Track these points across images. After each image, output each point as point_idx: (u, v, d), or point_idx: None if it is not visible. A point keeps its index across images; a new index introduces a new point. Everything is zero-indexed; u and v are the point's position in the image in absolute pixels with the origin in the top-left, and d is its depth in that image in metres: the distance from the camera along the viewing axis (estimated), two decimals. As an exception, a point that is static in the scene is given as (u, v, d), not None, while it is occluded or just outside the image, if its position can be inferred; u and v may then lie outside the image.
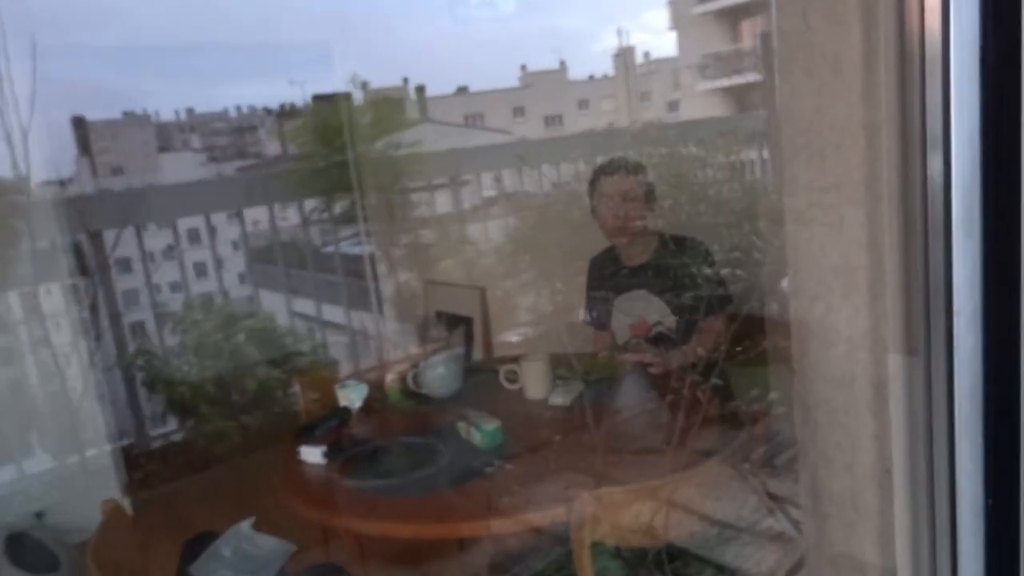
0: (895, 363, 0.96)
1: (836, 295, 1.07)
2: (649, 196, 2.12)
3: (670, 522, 1.58)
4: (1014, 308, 0.84)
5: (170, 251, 3.09)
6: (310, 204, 4.46)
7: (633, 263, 2.18)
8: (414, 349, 3.24)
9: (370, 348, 3.58)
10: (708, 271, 2.06)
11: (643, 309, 2.16)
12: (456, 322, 3.40)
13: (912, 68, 0.82)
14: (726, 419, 1.76)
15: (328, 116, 5.24)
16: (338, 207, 4.34)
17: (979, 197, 0.83)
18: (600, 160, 2.36)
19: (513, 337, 3.47)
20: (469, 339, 3.36)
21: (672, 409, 1.87)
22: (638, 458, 1.73)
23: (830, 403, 1.12)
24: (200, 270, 3.65)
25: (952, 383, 0.83)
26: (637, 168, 2.13)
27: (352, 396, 2.01)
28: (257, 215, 4.12)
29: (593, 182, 2.17)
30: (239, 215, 3.40)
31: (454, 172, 5.08)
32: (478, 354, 3.25)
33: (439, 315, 3.48)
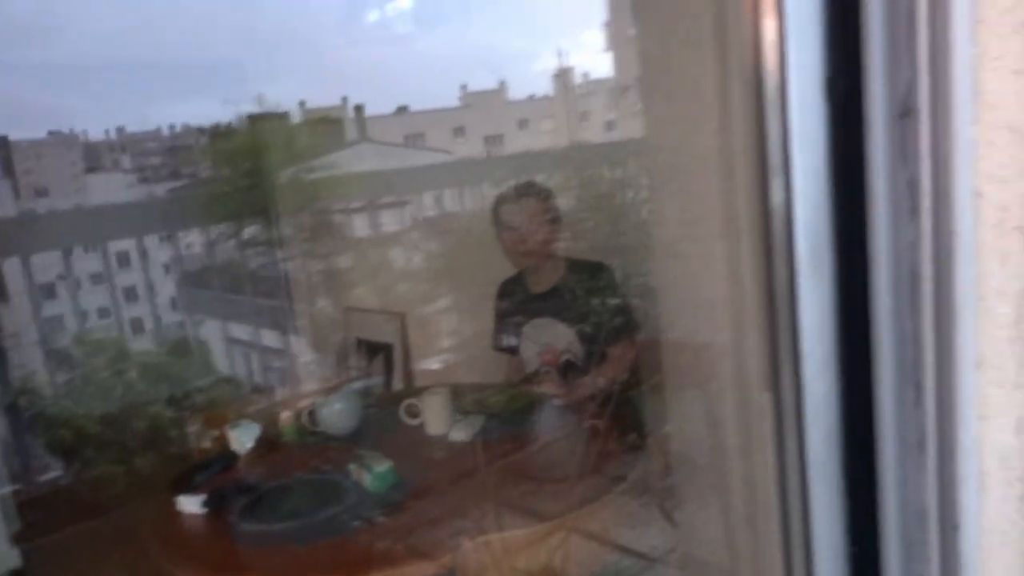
0: (758, 405, 0.92)
1: (705, 331, 1.03)
2: (554, 220, 2.08)
3: (569, 561, 1.51)
4: (866, 353, 0.80)
5: (60, 281, 2.91)
6: (233, 229, 4.31)
7: (540, 289, 2.13)
8: (332, 379, 3.13)
9: (285, 379, 3.45)
10: (613, 297, 2.02)
11: (551, 336, 2.10)
12: (376, 350, 3.30)
13: (753, 97, 0.78)
14: (629, 450, 1.71)
15: (249, 138, 5.10)
16: (258, 231, 4.20)
17: (827, 235, 0.80)
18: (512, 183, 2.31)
19: (435, 364, 3.39)
20: (389, 367, 3.26)
21: (575, 441, 1.82)
22: (537, 494, 1.66)
23: (705, 443, 1.07)
24: (104, 300, 3.48)
25: (803, 430, 0.78)
26: (541, 192, 2.08)
27: (243, 437, 1.90)
28: (190, 237, 3.95)
29: (496, 207, 2.11)
30: (140, 241, 3.24)
31: (386, 194, 4.98)
32: (398, 383, 3.16)
33: (359, 343, 3.37)
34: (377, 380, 3.14)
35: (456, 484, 1.68)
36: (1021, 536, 0.79)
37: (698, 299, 1.04)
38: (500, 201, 2.11)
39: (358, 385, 2.28)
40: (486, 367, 2.77)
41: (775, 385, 0.81)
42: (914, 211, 0.78)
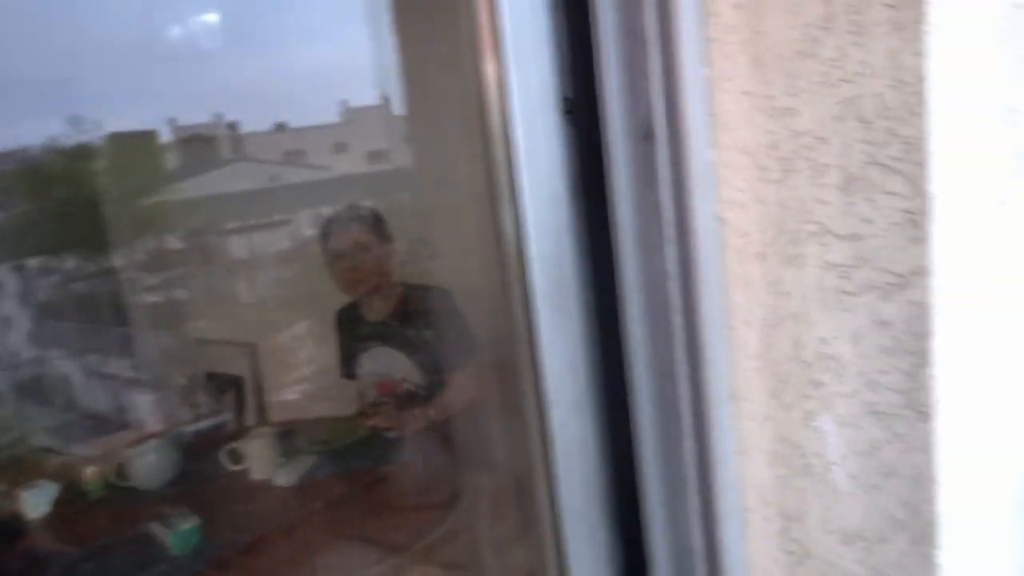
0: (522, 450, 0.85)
1: (481, 367, 0.96)
2: (387, 246, 1.98)
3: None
4: (623, 396, 0.75)
5: None
6: (65, 258, 3.97)
7: (375, 317, 2.03)
8: (172, 419, 2.90)
9: (118, 421, 3.18)
10: (453, 322, 1.95)
11: (388, 366, 2.00)
12: (227, 383, 3.10)
13: (479, 123, 0.72)
14: (459, 481, 1.63)
15: (104, 159, 4.76)
16: (98, 260, 3.88)
17: (571, 268, 0.74)
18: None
19: (293, 395, 3.21)
20: (241, 402, 3.07)
21: (410, 474, 1.72)
22: (367, 535, 1.55)
23: (487, 491, 1.00)
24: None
25: (554, 480, 0.72)
26: (370, 217, 1.98)
27: (38, 500, 1.69)
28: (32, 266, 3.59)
29: (321, 236, 1.99)
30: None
31: (253, 215, 4.73)
32: (252, 418, 2.98)
33: (210, 376, 3.16)
34: (226, 417, 2.94)
35: (276, 535, 1.54)
36: (785, 571, 0.76)
37: (471, 335, 0.97)
38: (324, 229, 1.99)
39: (198, 425, 2.09)
40: (345, 395, 2.64)
41: (523, 433, 0.74)
42: (660, 239, 0.74)
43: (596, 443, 0.76)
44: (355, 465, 1.75)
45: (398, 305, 1.99)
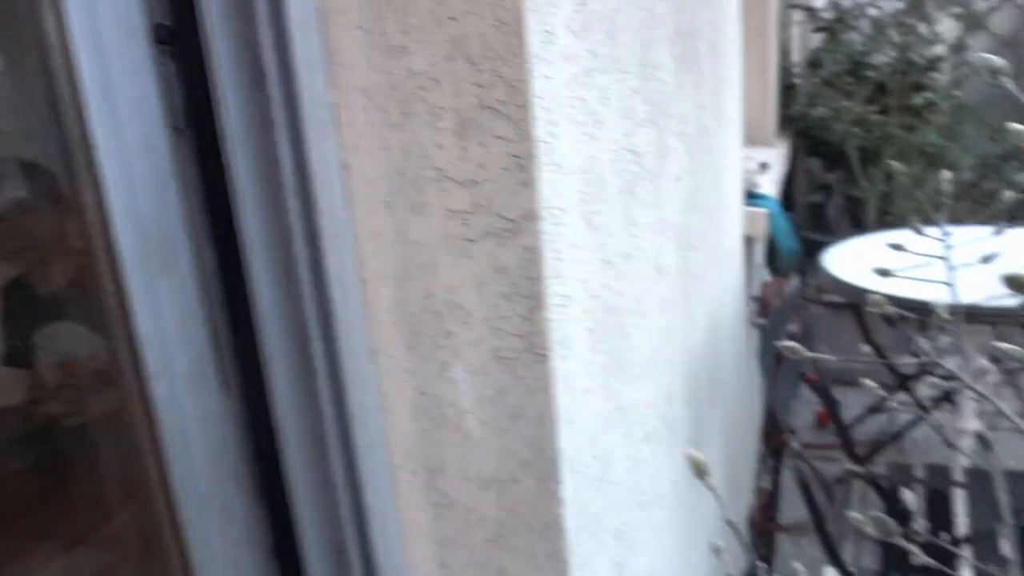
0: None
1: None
2: (55, 205, 1.70)
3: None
4: (255, 361, 0.68)
5: None
6: None
7: (49, 289, 1.76)
8: None
9: None
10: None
11: (71, 342, 1.75)
12: None
13: (38, 50, 0.60)
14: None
15: None
16: None
17: (180, 225, 0.65)
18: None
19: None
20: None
21: (82, 466, 1.52)
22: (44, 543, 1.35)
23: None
24: None
25: (168, 464, 0.65)
26: (28, 172, 1.69)
27: None
28: None
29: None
30: None
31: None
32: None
33: None
34: None
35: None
36: (432, 523, 0.76)
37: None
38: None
39: None
40: (26, 381, 2.29)
41: (125, 415, 0.65)
42: (280, 189, 0.68)
43: (225, 415, 0.69)
44: (23, 461, 1.51)
45: (77, 272, 1.74)
